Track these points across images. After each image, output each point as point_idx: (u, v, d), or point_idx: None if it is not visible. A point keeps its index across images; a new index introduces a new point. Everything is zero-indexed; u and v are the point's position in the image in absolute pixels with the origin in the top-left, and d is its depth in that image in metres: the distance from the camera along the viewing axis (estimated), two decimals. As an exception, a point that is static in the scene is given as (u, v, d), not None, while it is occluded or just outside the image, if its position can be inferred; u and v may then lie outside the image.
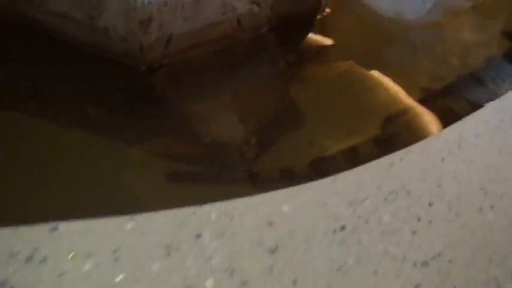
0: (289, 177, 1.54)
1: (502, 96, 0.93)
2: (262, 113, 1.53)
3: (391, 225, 0.75)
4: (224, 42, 1.42)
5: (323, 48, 1.82)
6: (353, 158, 1.60)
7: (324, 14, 1.84)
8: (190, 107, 1.43)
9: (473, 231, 0.75)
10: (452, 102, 1.73)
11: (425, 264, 0.72)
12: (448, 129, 0.86)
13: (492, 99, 1.65)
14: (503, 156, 0.83)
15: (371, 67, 1.87)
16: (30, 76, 1.46)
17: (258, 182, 1.54)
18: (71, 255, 0.75)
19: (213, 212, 0.78)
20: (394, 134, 1.62)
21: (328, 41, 1.86)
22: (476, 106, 1.68)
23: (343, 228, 0.74)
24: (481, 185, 0.78)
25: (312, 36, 1.72)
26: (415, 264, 0.71)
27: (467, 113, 1.70)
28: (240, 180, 1.54)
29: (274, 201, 0.77)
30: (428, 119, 1.69)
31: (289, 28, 1.62)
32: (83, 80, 1.44)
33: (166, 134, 1.44)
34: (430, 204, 0.76)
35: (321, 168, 1.56)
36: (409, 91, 1.81)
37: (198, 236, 0.77)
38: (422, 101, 1.75)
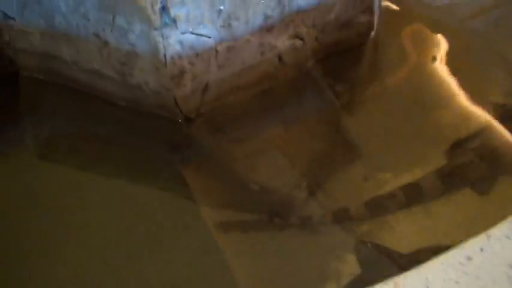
0: (343, 220, 1.43)
1: None
2: (312, 151, 1.41)
3: None
4: (267, 83, 1.33)
5: (375, 70, 1.66)
6: (415, 196, 1.45)
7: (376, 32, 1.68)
8: (234, 153, 1.35)
9: None
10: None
11: None
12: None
13: None
14: None
15: (431, 81, 1.67)
16: (69, 132, 1.47)
17: (310, 227, 1.44)
18: None
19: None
20: (464, 165, 1.44)
21: (380, 61, 1.69)
22: None
23: None
24: None
25: (363, 59, 1.57)
26: None
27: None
28: (291, 226, 1.44)
29: None
30: (505, 144, 1.48)
31: (338, 57, 1.49)
32: (122, 134, 1.41)
33: (212, 184, 1.37)
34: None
35: (378, 209, 1.42)
36: (480, 107, 1.59)
37: None
38: (499, 121, 1.53)
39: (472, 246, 0.68)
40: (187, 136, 1.30)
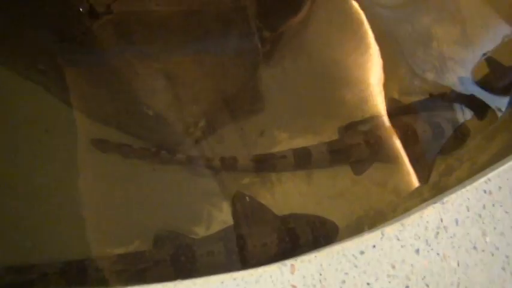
0: (229, 168, 1.39)
1: (490, 174, 0.82)
2: (220, 91, 1.30)
3: None
4: (198, 3, 1.14)
5: (306, 29, 1.58)
6: (303, 161, 1.48)
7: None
8: (135, 68, 1.16)
9: None
10: (415, 122, 1.63)
11: None
12: (431, 208, 0.73)
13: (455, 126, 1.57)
14: (477, 253, 0.73)
15: (348, 60, 1.67)
16: None
17: (195, 167, 1.37)
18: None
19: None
20: (351, 145, 1.51)
21: (310, 28, 1.61)
22: (438, 133, 1.60)
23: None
24: (448, 288, 0.69)
25: (299, 14, 1.47)
26: None
27: (428, 139, 1.61)
28: (176, 162, 1.35)
29: None
30: (388, 136, 1.58)
31: (277, 2, 1.36)
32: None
33: (99, 94, 1.17)
34: (390, 311, 0.66)
35: (265, 166, 1.42)
36: (379, 98, 1.66)
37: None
38: (388, 113, 1.62)
39: (366, 241, 0.69)
40: (85, 32, 1.05)
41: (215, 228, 1.32)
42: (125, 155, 1.32)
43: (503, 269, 0.77)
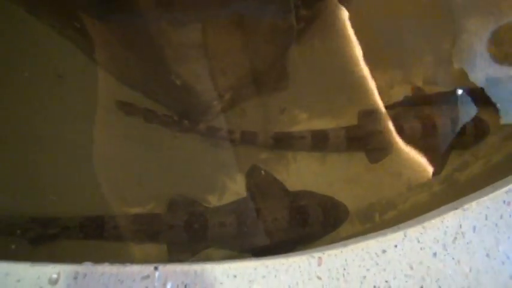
0: (248, 142, 1.42)
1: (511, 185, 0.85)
2: (249, 66, 1.31)
3: (361, 328, 0.69)
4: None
5: (336, 12, 1.56)
6: (320, 143, 1.50)
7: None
8: (169, 35, 1.16)
9: None
10: (436, 114, 1.62)
11: None
12: (451, 214, 0.77)
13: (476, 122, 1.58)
14: (489, 260, 0.78)
15: (373, 45, 1.65)
16: None
17: (214, 138, 1.40)
18: None
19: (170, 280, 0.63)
20: (369, 132, 1.53)
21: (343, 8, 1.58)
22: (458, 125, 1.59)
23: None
24: (458, 291, 0.74)
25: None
26: None
27: (446, 132, 1.62)
28: (197, 132, 1.38)
29: (245, 279, 0.64)
30: (408, 127, 1.59)
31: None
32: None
33: (127, 55, 1.18)
34: (405, 309, 0.71)
35: (283, 144, 1.45)
36: (402, 85, 1.66)
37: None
38: (410, 102, 1.62)
39: (389, 240, 0.74)
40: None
41: (227, 198, 1.37)
42: (148, 120, 1.35)
43: (511, 277, 0.82)
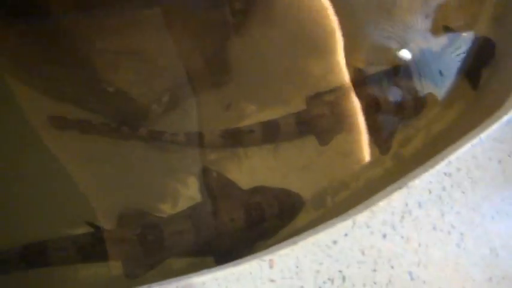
0: (195, 144, 1.38)
1: (451, 157, 0.88)
2: (185, 64, 1.27)
3: (318, 323, 0.68)
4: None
5: (273, 3, 1.54)
6: (271, 134, 1.50)
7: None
8: (92, 38, 1.10)
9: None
10: (378, 93, 1.67)
11: None
12: (396, 194, 0.79)
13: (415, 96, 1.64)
14: (436, 233, 0.80)
15: (315, 30, 1.66)
16: None
17: (159, 143, 1.35)
18: None
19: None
20: (318, 115, 1.53)
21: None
22: (399, 103, 1.65)
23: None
24: (410, 269, 0.76)
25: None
26: None
27: (389, 109, 1.67)
28: (139, 138, 1.32)
29: None
30: (352, 106, 1.62)
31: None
32: None
33: (49, 67, 1.10)
34: (361, 294, 0.71)
35: (232, 141, 1.43)
36: (344, 68, 1.68)
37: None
38: (353, 83, 1.65)
39: (339, 230, 0.74)
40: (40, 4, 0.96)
41: (182, 205, 1.33)
42: (84, 132, 1.28)
43: (458, 245, 0.85)
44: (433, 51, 1.75)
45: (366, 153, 1.54)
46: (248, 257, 0.69)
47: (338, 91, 1.61)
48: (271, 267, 0.67)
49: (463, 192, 0.90)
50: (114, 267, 1.21)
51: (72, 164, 1.29)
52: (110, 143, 1.31)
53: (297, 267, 0.68)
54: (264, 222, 1.31)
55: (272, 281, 0.67)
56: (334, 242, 0.73)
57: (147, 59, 1.19)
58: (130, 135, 1.32)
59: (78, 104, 1.25)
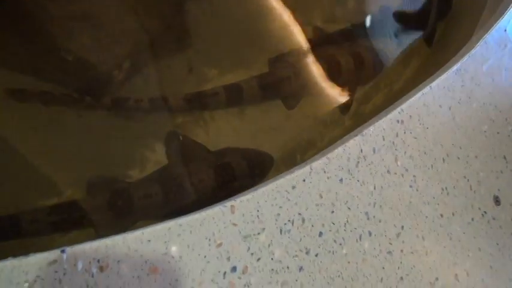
0: (160, 109, 1.39)
1: (403, 105, 0.93)
2: (143, 29, 1.26)
3: (281, 262, 0.73)
4: None
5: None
6: (235, 97, 1.51)
7: None
8: (49, 8, 1.07)
9: (350, 262, 0.79)
10: (338, 53, 1.70)
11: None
12: (352, 141, 0.83)
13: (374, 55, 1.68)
14: (390, 176, 0.85)
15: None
16: None
17: (123, 110, 1.34)
18: None
19: (80, 259, 0.62)
20: (281, 78, 1.55)
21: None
22: (359, 63, 1.70)
23: (234, 269, 0.69)
24: (366, 209, 0.81)
25: None
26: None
27: (349, 69, 1.72)
28: (103, 107, 1.31)
29: (159, 241, 0.65)
30: (315, 68, 1.66)
31: None
32: None
33: (9, 38, 1.07)
34: (320, 234, 0.76)
35: (197, 105, 1.43)
36: (304, 27, 1.70)
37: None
38: (313, 43, 1.67)
39: (297, 176, 0.78)
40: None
41: (150, 169, 1.34)
42: (46, 103, 1.26)
43: (411, 186, 0.91)
44: (392, 9, 1.79)
45: (328, 114, 1.58)
46: (210, 206, 0.73)
47: (299, 52, 1.63)
48: (232, 212, 0.71)
49: (415, 138, 0.96)
50: (88, 234, 1.23)
51: (36, 136, 1.27)
52: (74, 113, 1.30)
53: (258, 211, 0.72)
54: (235, 181, 1.34)
55: (234, 224, 0.71)
56: (293, 187, 0.77)
57: (102, 25, 1.17)
58: (94, 105, 1.31)
59: (38, 75, 1.22)
